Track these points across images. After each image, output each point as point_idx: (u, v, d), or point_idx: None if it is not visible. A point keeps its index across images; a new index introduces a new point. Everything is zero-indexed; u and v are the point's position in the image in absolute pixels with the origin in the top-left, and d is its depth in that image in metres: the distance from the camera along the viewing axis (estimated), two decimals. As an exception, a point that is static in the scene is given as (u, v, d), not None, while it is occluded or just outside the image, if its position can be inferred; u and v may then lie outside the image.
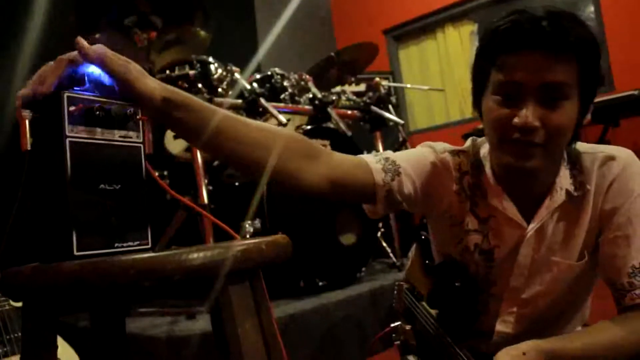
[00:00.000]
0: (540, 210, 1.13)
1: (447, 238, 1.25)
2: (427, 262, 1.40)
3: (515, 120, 1.00)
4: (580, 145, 1.16)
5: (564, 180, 1.12)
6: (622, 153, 1.13)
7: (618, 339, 1.05)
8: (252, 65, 3.66)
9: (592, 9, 4.31)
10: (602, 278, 1.17)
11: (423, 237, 1.42)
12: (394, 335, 1.48)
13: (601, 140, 3.44)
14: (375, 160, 1.15)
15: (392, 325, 1.49)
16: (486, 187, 1.17)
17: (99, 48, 0.81)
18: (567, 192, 1.12)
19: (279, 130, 1.07)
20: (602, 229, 1.13)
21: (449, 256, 1.27)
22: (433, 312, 1.30)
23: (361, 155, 1.18)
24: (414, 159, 1.19)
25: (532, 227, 1.14)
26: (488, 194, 1.17)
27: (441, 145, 1.24)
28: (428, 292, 1.36)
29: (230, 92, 2.63)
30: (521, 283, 1.18)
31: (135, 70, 0.83)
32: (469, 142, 1.26)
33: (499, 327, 1.22)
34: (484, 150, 1.20)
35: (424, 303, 1.35)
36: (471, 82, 1.14)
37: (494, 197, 1.16)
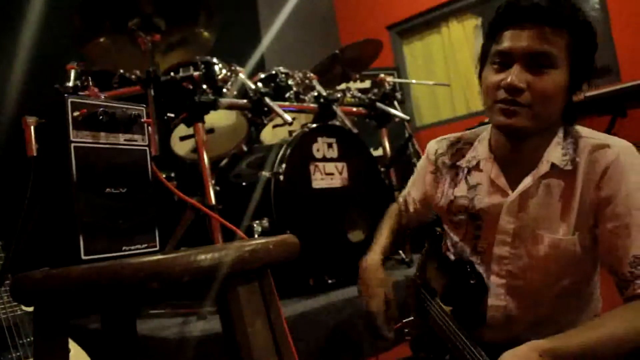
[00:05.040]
0: (525, 179, 1.21)
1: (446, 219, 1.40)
2: (442, 257, 1.40)
3: (503, 82, 1.13)
4: (583, 129, 1.22)
5: (552, 154, 1.19)
6: (618, 142, 1.17)
7: (620, 333, 1.05)
8: (256, 64, 3.66)
9: (597, -1, 4.28)
10: (606, 269, 1.18)
11: (438, 232, 1.43)
12: (406, 330, 1.48)
13: (609, 131, 3.41)
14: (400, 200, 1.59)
15: (405, 320, 1.48)
16: (481, 157, 1.31)
17: None
18: (553, 164, 1.18)
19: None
20: (600, 218, 1.15)
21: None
22: (447, 309, 1.30)
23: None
24: (414, 178, 1.53)
25: (513, 194, 1.22)
26: (481, 162, 1.30)
27: (434, 144, 1.45)
28: (442, 289, 1.35)
29: (235, 92, 2.63)
30: (506, 252, 1.24)
31: None
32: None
33: (492, 301, 1.25)
34: (488, 127, 1.33)
35: (437, 299, 1.35)
36: (479, 58, 1.27)
37: (486, 163, 1.28)
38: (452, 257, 1.38)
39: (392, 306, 1.41)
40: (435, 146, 1.44)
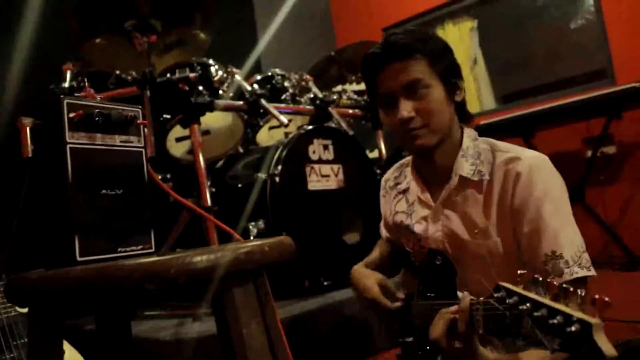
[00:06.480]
0: (442, 193, 1.37)
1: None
2: (412, 266, 1.46)
3: (397, 119, 1.30)
4: (500, 144, 1.36)
5: (459, 167, 1.34)
6: (529, 154, 1.30)
7: None
8: (253, 66, 3.66)
9: (591, 2, 4.28)
10: (529, 270, 1.24)
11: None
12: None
13: (604, 132, 3.42)
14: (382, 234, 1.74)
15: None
16: (409, 179, 1.50)
17: None
18: (461, 177, 1.33)
19: None
20: (517, 224, 1.26)
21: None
22: (427, 302, 1.31)
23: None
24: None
25: (434, 206, 1.39)
26: (411, 182, 1.49)
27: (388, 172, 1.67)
28: (417, 287, 1.37)
29: (231, 94, 2.63)
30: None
31: None
32: None
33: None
34: None
35: (415, 300, 1.36)
36: (373, 106, 1.45)
37: (413, 184, 1.47)
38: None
39: (390, 287, 1.47)
40: (385, 175, 1.66)
